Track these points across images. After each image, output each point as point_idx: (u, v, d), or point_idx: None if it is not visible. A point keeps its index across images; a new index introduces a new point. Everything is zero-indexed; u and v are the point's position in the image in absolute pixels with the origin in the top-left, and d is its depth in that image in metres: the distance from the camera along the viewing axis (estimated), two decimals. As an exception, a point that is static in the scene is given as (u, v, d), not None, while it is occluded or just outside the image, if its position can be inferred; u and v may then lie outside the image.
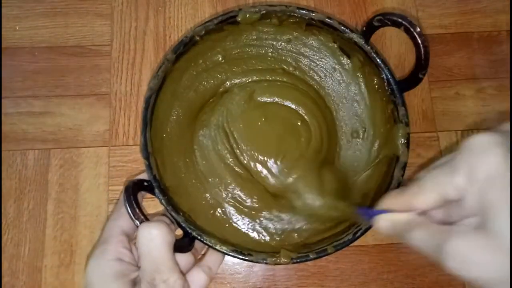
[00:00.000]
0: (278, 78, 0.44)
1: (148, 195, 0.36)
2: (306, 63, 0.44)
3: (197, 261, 0.36)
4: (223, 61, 0.43)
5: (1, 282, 0.42)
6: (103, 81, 0.49)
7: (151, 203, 0.44)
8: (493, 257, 0.19)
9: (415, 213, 0.23)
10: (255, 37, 0.43)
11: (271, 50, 0.44)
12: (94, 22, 0.50)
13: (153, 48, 0.50)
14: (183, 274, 0.32)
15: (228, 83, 0.44)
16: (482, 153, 0.20)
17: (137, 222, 0.31)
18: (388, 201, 0.25)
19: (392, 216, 0.25)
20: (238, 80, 0.44)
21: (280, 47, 0.44)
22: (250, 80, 0.44)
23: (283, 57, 0.44)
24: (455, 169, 0.21)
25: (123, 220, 0.33)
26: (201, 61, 0.42)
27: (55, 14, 0.50)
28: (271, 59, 0.44)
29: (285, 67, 0.44)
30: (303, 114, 0.42)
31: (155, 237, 0.30)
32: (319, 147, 0.41)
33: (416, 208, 0.23)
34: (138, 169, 0.46)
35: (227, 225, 0.39)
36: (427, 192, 0.22)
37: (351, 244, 0.35)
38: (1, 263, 0.43)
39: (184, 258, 0.33)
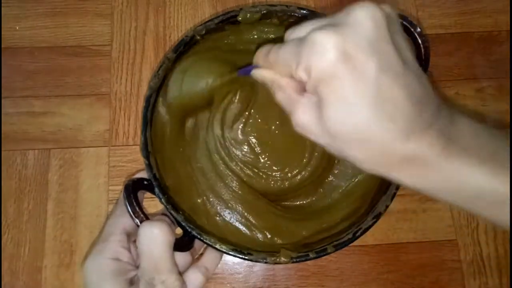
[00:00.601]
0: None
1: (148, 194, 0.36)
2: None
3: (195, 260, 0.36)
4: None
5: (1, 282, 0.42)
6: (103, 81, 0.49)
7: (151, 203, 0.44)
8: (323, 134, 0.23)
9: (277, 73, 0.25)
10: (256, 36, 0.43)
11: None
12: (94, 22, 0.50)
13: (153, 48, 0.50)
14: (182, 276, 0.32)
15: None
16: (320, 54, 0.21)
17: (137, 221, 0.31)
18: (258, 57, 0.27)
19: (262, 72, 0.27)
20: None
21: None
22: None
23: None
24: (299, 61, 0.22)
25: (123, 219, 0.33)
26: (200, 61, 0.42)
27: (55, 14, 0.50)
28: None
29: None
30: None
31: (157, 237, 0.30)
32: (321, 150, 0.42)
33: (276, 69, 0.25)
34: (138, 169, 0.46)
35: (226, 224, 0.39)
36: (281, 66, 0.25)
37: (351, 244, 0.34)
38: (1, 263, 0.43)
39: (182, 257, 0.33)
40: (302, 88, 0.24)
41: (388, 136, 0.21)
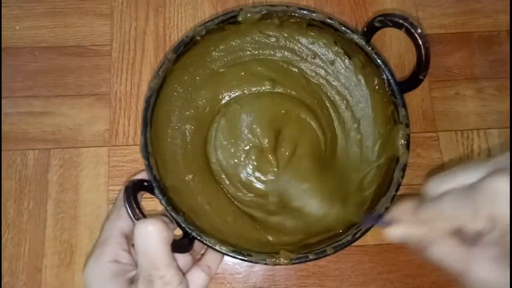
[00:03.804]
0: (277, 78, 0.44)
1: (148, 194, 0.36)
2: (307, 64, 0.44)
3: (196, 261, 0.36)
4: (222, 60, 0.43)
5: (1, 282, 0.42)
6: (103, 81, 0.49)
7: (151, 203, 0.44)
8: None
9: (432, 230, 0.23)
10: (256, 36, 0.43)
11: (271, 50, 0.44)
12: (94, 22, 0.50)
13: (153, 48, 0.50)
14: (182, 271, 0.32)
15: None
16: (504, 201, 0.19)
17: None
18: (402, 214, 0.25)
19: (407, 229, 0.24)
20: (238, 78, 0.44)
21: (281, 47, 0.44)
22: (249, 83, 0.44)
23: (284, 57, 0.44)
24: (477, 210, 0.20)
25: (123, 221, 0.33)
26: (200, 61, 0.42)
27: (55, 14, 0.50)
28: (271, 58, 0.44)
29: (285, 66, 0.44)
30: (304, 117, 0.43)
31: (151, 233, 0.30)
32: (320, 151, 0.42)
33: (428, 225, 0.23)
34: (138, 169, 0.46)
35: (226, 225, 0.39)
36: (445, 221, 0.22)
37: (351, 244, 0.35)
38: (1, 263, 0.43)
39: (182, 259, 0.33)
40: (470, 241, 0.22)
41: None
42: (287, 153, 0.41)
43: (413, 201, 0.24)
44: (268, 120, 0.43)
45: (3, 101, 0.47)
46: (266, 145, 0.42)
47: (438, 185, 0.23)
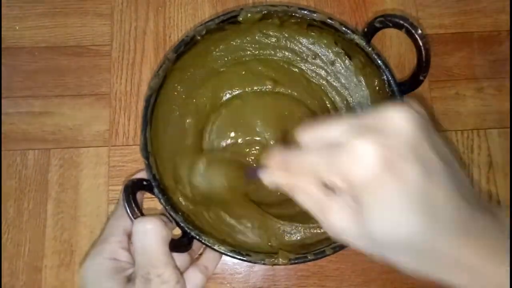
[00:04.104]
0: (278, 78, 0.44)
1: (147, 195, 0.36)
2: (307, 64, 0.44)
3: (194, 260, 0.36)
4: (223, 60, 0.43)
5: (1, 282, 0.42)
6: (103, 81, 0.48)
7: (151, 203, 0.44)
8: (362, 238, 0.22)
9: (296, 176, 0.24)
10: (256, 36, 0.43)
11: (272, 50, 0.44)
12: (94, 22, 0.50)
13: (153, 48, 0.50)
14: (179, 269, 0.32)
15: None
16: (361, 163, 0.20)
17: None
18: (271, 161, 0.26)
19: (274, 176, 0.25)
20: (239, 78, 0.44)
21: (281, 47, 0.44)
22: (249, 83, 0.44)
23: (285, 57, 0.44)
24: (335, 168, 0.21)
25: (124, 220, 0.33)
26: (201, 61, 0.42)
27: (55, 14, 0.50)
28: (272, 58, 0.44)
29: (285, 66, 0.44)
30: (304, 118, 0.43)
31: (149, 232, 0.30)
32: None
33: (294, 173, 0.24)
34: (138, 169, 0.46)
35: (225, 225, 0.39)
36: (306, 169, 0.23)
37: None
38: (1, 263, 0.43)
39: (180, 258, 0.33)
40: (330, 190, 0.23)
41: (435, 240, 0.21)
42: None
43: (282, 149, 0.25)
44: (274, 119, 0.43)
45: (3, 101, 0.47)
46: (272, 143, 0.42)
47: (307, 135, 0.24)
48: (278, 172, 0.25)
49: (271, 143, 0.42)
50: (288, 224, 0.39)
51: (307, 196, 0.24)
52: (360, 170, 0.20)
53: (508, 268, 0.21)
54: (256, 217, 0.40)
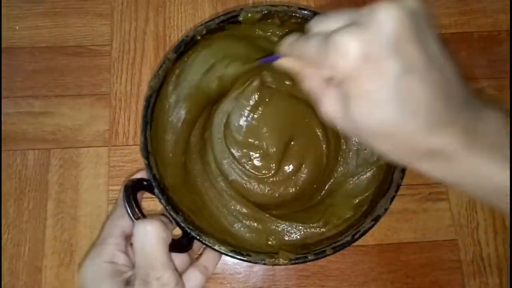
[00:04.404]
0: (278, 80, 0.44)
1: (148, 194, 0.36)
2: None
3: (194, 261, 0.36)
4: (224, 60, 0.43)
5: (1, 282, 0.42)
6: (103, 81, 0.49)
7: (151, 203, 0.44)
8: (348, 125, 0.24)
9: (304, 64, 0.27)
10: (257, 37, 0.43)
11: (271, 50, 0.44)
12: (94, 22, 0.50)
13: (153, 48, 0.50)
14: (178, 272, 0.32)
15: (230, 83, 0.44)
16: (344, 56, 0.22)
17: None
18: (284, 47, 0.28)
19: (288, 62, 0.28)
20: (241, 80, 0.44)
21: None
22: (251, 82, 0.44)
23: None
24: (324, 59, 0.23)
25: (122, 220, 0.33)
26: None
27: (55, 14, 0.50)
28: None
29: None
30: (312, 124, 0.43)
31: (149, 233, 0.30)
32: (320, 170, 0.42)
33: (302, 59, 0.27)
34: (139, 169, 0.46)
35: (225, 225, 0.39)
36: (306, 59, 0.26)
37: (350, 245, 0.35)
38: (1, 263, 0.43)
39: (180, 259, 0.33)
40: (328, 78, 0.25)
41: (411, 130, 0.22)
42: (290, 170, 0.42)
43: (296, 36, 0.27)
44: (280, 124, 0.43)
45: (3, 101, 0.47)
46: (273, 151, 0.42)
47: (316, 24, 0.26)
48: (289, 57, 0.28)
49: (272, 152, 0.42)
50: (288, 224, 0.39)
51: (310, 82, 0.26)
52: (342, 61, 0.22)
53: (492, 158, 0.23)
54: (254, 215, 0.40)
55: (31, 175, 0.45)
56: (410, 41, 0.21)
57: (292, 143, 0.43)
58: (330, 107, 0.25)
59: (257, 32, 0.42)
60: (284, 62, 0.28)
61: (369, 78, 0.21)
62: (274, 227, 0.39)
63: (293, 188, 0.42)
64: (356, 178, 0.41)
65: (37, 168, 0.46)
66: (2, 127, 0.47)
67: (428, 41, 0.22)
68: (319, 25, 0.25)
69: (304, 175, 0.43)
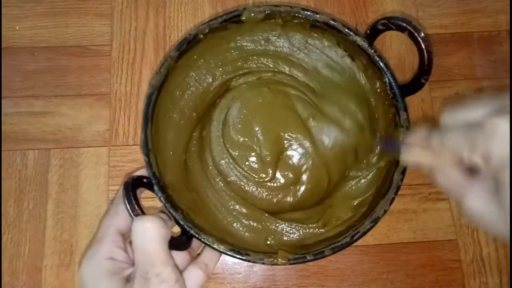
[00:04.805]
0: (278, 79, 0.44)
1: (147, 194, 0.36)
2: (308, 64, 0.44)
3: (193, 259, 0.36)
4: (223, 61, 0.43)
5: (1, 282, 0.42)
6: (103, 81, 0.49)
7: (151, 203, 0.44)
8: (498, 219, 0.22)
9: (440, 158, 0.25)
10: (260, 37, 0.43)
11: (273, 49, 0.44)
12: (94, 22, 0.50)
13: (153, 48, 0.50)
14: (178, 269, 0.32)
15: (230, 83, 0.44)
16: (501, 141, 0.21)
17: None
18: (415, 139, 0.27)
19: (418, 156, 0.26)
20: (240, 80, 0.44)
21: (282, 47, 0.44)
22: (252, 80, 0.44)
23: (284, 58, 0.44)
24: (474, 145, 0.22)
25: (119, 218, 0.33)
26: (202, 60, 0.42)
27: (55, 14, 0.50)
28: (272, 59, 0.44)
29: (286, 67, 0.44)
30: (305, 118, 0.43)
31: (149, 230, 0.30)
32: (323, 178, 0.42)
33: (436, 153, 0.25)
34: (139, 169, 0.46)
35: (225, 224, 0.39)
36: (449, 152, 0.24)
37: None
38: (1, 263, 0.43)
39: (179, 256, 0.33)
40: (470, 171, 0.24)
41: None
42: (287, 179, 0.42)
43: (426, 129, 0.26)
44: (275, 127, 0.43)
45: (3, 101, 0.47)
46: (268, 159, 0.42)
47: (450, 117, 0.25)
48: (420, 151, 0.26)
49: (267, 159, 0.42)
50: (287, 224, 0.39)
51: (447, 178, 0.25)
52: (500, 148, 0.21)
53: None
54: (253, 215, 0.40)
55: (31, 175, 0.45)
56: None
57: (288, 153, 0.43)
58: (477, 202, 0.23)
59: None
60: (414, 154, 0.27)
61: None
62: (273, 227, 0.40)
63: (292, 198, 0.42)
64: (356, 181, 0.41)
65: (37, 168, 0.46)
66: (2, 127, 0.47)
67: None
68: (455, 117, 0.24)
69: (303, 190, 0.42)
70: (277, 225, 0.40)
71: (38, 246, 0.44)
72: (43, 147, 0.46)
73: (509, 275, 0.45)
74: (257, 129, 0.43)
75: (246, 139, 0.43)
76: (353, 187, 0.41)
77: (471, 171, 0.23)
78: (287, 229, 0.39)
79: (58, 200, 0.45)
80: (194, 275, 0.34)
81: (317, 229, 0.39)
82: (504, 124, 0.21)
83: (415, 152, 0.27)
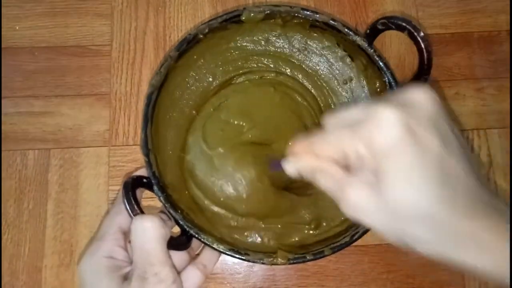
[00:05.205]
0: (281, 80, 0.44)
1: (147, 194, 0.36)
2: (307, 64, 0.44)
3: (193, 259, 0.36)
4: (223, 61, 0.43)
5: (1, 282, 0.42)
6: (103, 81, 0.49)
7: (151, 203, 0.44)
8: (379, 212, 0.22)
9: (319, 159, 0.25)
10: (260, 37, 0.43)
11: (273, 50, 0.44)
12: (94, 22, 0.50)
13: (153, 48, 0.50)
14: (176, 269, 0.32)
15: (231, 81, 0.44)
16: (385, 128, 0.21)
17: None
18: (294, 146, 0.26)
19: (298, 162, 0.26)
20: (242, 78, 0.44)
21: (282, 47, 0.44)
22: (255, 78, 0.44)
23: (284, 58, 0.44)
24: (358, 136, 0.22)
25: (121, 217, 0.33)
26: (202, 60, 0.42)
27: (55, 14, 0.50)
28: (272, 59, 0.44)
29: (287, 68, 0.44)
30: (304, 117, 0.43)
31: (148, 230, 0.30)
32: None
33: (318, 156, 0.25)
34: (137, 168, 0.46)
35: (224, 224, 0.39)
36: (330, 147, 0.24)
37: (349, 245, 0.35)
38: (1, 263, 0.43)
39: (179, 256, 0.33)
40: (348, 168, 0.24)
41: (453, 212, 0.21)
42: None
43: (307, 135, 0.26)
44: (271, 122, 0.42)
45: (3, 101, 0.47)
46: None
47: (331, 118, 0.25)
48: (302, 157, 0.26)
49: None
50: (282, 226, 0.39)
51: (328, 176, 0.24)
52: (384, 135, 0.21)
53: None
54: (247, 222, 0.40)
55: (31, 175, 0.45)
56: (445, 121, 0.22)
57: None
58: (357, 196, 0.23)
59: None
60: (295, 163, 0.26)
61: (410, 154, 0.21)
62: (269, 230, 0.39)
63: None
64: None
65: (37, 168, 0.46)
66: (2, 127, 0.47)
67: (451, 123, 0.22)
68: (336, 119, 0.24)
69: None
70: (273, 227, 0.39)
71: (38, 246, 0.44)
72: (43, 147, 0.46)
73: (509, 275, 0.45)
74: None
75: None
76: None
77: (349, 169, 0.23)
78: (283, 231, 0.39)
79: (58, 200, 0.45)
80: (192, 275, 0.34)
81: (314, 230, 0.39)
82: (386, 111, 0.21)
83: (297, 159, 0.26)
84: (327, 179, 0.24)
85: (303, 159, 0.26)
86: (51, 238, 0.44)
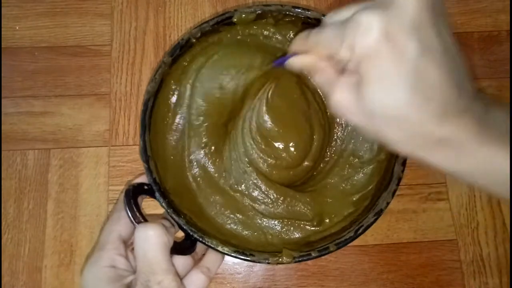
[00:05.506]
0: (276, 79, 0.44)
1: (149, 199, 0.36)
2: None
3: (196, 262, 0.36)
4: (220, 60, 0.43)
5: (1, 282, 0.42)
6: (103, 81, 0.49)
7: (151, 203, 0.44)
8: (359, 112, 0.24)
9: (319, 58, 0.26)
10: (255, 37, 0.43)
11: (270, 49, 0.44)
12: (94, 22, 0.50)
13: (153, 48, 0.50)
14: (179, 276, 0.32)
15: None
16: (364, 32, 0.22)
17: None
18: (295, 44, 0.28)
19: (300, 58, 0.28)
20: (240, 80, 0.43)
21: (280, 47, 0.44)
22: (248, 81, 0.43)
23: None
24: (343, 39, 0.23)
25: (121, 225, 0.33)
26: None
27: (55, 14, 0.50)
28: (269, 59, 0.44)
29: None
30: (304, 115, 0.42)
31: (151, 238, 0.30)
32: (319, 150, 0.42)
33: (316, 54, 0.27)
34: (138, 170, 0.46)
35: (228, 226, 0.39)
36: (323, 47, 0.26)
37: (351, 244, 0.34)
38: (1, 263, 0.43)
39: (182, 261, 0.33)
40: (341, 70, 0.25)
41: (424, 116, 0.22)
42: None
43: (307, 31, 0.27)
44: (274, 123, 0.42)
45: (3, 101, 0.47)
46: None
47: (331, 17, 0.26)
48: (303, 55, 0.27)
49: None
50: (285, 222, 0.39)
51: (323, 75, 0.26)
52: (362, 38, 0.22)
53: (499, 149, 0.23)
54: (248, 222, 0.40)
55: (31, 175, 0.45)
56: (429, 25, 0.22)
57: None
58: (342, 95, 0.24)
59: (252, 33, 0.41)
60: (296, 60, 0.28)
61: (386, 57, 0.21)
62: (271, 229, 0.39)
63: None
64: (357, 173, 0.40)
65: (37, 168, 0.46)
66: (2, 127, 0.47)
67: (443, 29, 0.22)
68: (335, 15, 0.25)
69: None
70: (275, 225, 0.39)
71: (38, 246, 0.44)
72: (43, 147, 0.46)
73: (509, 275, 0.45)
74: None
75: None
76: (349, 185, 0.40)
77: (342, 69, 0.24)
78: (286, 228, 0.39)
79: (58, 200, 0.45)
80: (196, 279, 0.34)
81: (317, 227, 0.39)
82: (368, 16, 0.22)
83: (299, 58, 0.28)
84: (321, 78, 0.26)
85: (303, 58, 0.27)
86: (51, 238, 0.44)
